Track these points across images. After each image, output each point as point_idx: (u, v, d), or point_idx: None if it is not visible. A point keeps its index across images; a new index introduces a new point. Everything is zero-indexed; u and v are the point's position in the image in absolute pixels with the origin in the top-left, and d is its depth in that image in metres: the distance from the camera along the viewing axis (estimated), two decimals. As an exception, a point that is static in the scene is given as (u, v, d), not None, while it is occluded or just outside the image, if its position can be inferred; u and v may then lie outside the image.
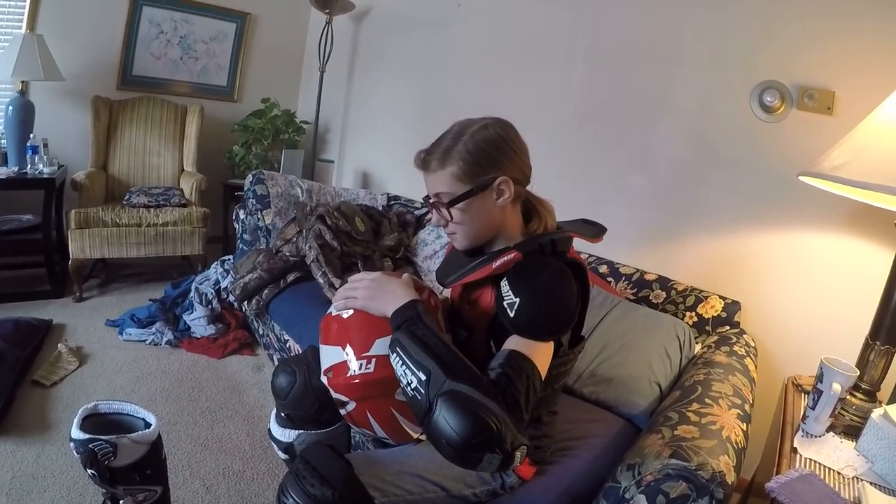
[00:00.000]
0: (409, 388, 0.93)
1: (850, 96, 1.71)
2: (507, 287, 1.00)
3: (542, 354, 1.00)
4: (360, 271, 2.22)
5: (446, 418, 0.86)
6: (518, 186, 1.10)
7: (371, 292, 1.11)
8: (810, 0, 1.78)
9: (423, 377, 0.90)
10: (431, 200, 1.13)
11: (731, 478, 1.02)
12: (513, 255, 1.05)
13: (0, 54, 2.88)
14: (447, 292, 1.33)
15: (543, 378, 1.00)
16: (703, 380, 1.46)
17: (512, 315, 0.98)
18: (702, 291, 1.98)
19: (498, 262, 1.06)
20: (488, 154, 1.06)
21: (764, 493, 1.09)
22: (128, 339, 2.59)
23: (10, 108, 2.89)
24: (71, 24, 3.23)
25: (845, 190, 1.41)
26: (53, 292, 2.92)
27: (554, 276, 1.00)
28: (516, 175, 1.09)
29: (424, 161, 1.11)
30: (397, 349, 0.97)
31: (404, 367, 0.94)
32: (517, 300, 0.97)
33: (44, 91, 3.17)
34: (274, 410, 1.42)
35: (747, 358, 1.66)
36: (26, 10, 3.06)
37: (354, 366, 1.09)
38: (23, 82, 3.06)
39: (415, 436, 1.18)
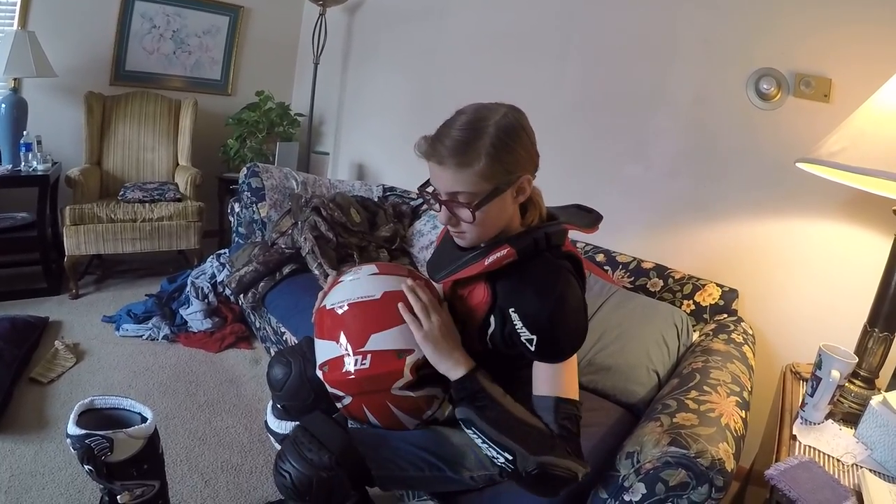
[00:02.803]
0: (497, 461, 0.99)
1: (847, 83, 1.70)
2: (519, 321, 0.99)
3: (570, 369, 1.02)
4: (355, 262, 2.22)
5: (539, 487, 0.99)
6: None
7: (437, 341, 1.04)
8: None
9: (510, 457, 0.97)
10: (444, 199, 1.01)
11: (730, 465, 1.02)
12: (505, 251, 1.00)
13: (-8, 51, 2.85)
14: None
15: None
16: (701, 367, 1.46)
17: (533, 350, 0.99)
18: (699, 279, 1.97)
19: (490, 259, 1.02)
20: (511, 148, 0.97)
21: (763, 481, 1.09)
22: (124, 334, 2.58)
23: (3, 105, 2.87)
24: (63, 20, 3.19)
25: (843, 176, 1.40)
26: (49, 289, 2.90)
27: (562, 297, 0.98)
28: (532, 169, 1.03)
29: (436, 152, 0.97)
30: (473, 427, 1.01)
31: (486, 445, 1.00)
32: (534, 337, 0.98)
33: (36, 88, 3.14)
34: (270, 402, 1.42)
35: (745, 345, 1.66)
36: (18, 7, 3.02)
37: (349, 361, 1.07)
38: (15, 79, 3.04)
39: (411, 427, 1.17)
